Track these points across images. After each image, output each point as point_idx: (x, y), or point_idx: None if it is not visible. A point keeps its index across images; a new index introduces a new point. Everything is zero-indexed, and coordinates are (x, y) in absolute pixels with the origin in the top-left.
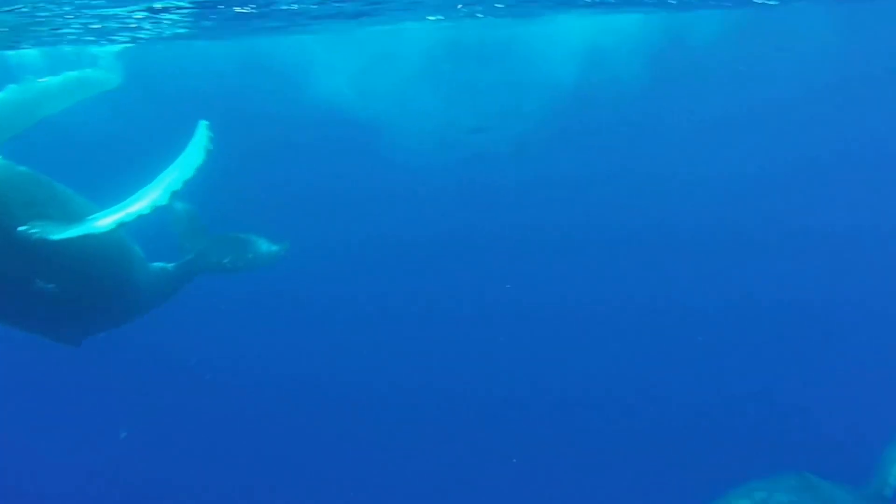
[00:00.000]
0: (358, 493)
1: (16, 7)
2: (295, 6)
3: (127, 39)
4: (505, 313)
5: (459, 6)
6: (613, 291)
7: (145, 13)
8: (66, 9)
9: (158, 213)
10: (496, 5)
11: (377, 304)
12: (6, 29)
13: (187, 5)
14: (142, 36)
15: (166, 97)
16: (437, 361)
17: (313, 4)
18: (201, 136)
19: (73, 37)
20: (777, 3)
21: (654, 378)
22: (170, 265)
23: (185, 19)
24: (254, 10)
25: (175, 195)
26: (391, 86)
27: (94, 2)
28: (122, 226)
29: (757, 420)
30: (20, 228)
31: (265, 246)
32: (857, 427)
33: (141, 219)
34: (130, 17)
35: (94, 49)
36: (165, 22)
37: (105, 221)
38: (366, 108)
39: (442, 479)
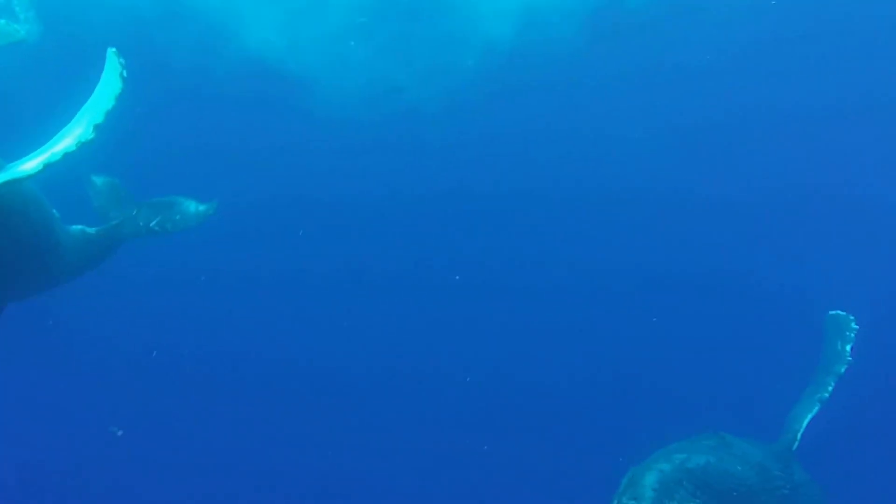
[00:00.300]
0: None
1: None
2: None
3: None
4: (435, 277)
5: None
6: (543, 253)
7: None
8: None
9: (84, 151)
10: None
11: (305, 264)
12: None
13: None
14: None
15: (81, 47)
16: (366, 324)
17: None
18: (113, 64)
19: None
20: None
21: (573, 345)
22: (91, 229)
23: None
24: None
25: (99, 128)
26: (321, 38)
27: None
28: (48, 167)
29: (675, 384)
30: None
31: (193, 206)
32: (768, 388)
33: (68, 157)
34: None
35: None
36: None
37: (31, 164)
38: (295, 61)
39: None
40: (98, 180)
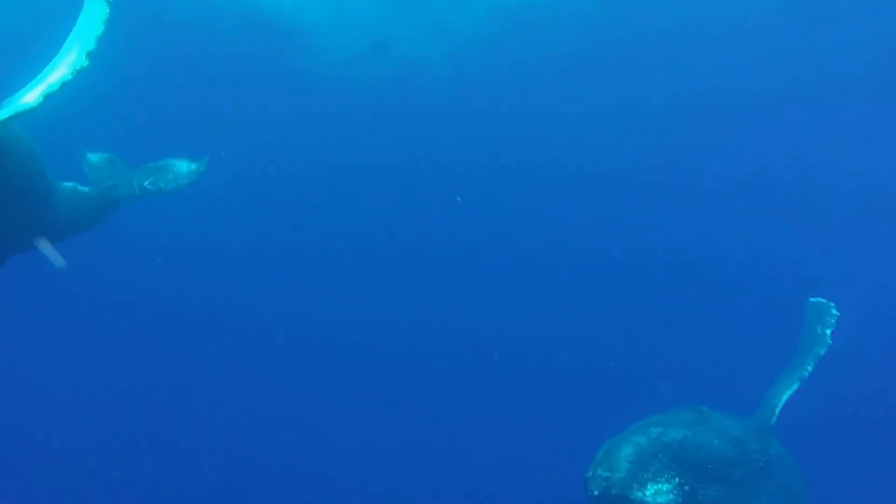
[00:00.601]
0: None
1: None
2: None
3: None
4: (423, 244)
5: None
6: (532, 226)
7: None
8: None
9: (80, 78)
10: None
11: (294, 223)
12: None
13: None
14: None
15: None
16: (355, 287)
17: None
18: None
19: None
20: None
21: (553, 317)
22: (84, 187)
23: None
24: None
25: (91, 55)
26: None
27: None
28: (48, 98)
29: (653, 358)
30: None
31: (185, 165)
32: (748, 362)
33: (65, 87)
34: None
35: None
36: None
37: (30, 97)
38: (297, 17)
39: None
40: (94, 157)
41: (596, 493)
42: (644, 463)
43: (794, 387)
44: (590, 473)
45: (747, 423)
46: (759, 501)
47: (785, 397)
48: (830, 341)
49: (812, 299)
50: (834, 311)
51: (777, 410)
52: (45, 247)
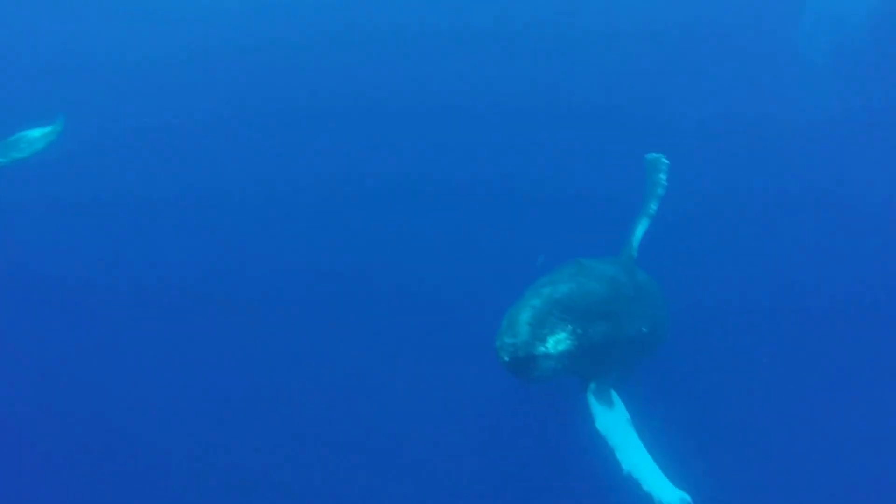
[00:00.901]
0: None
1: None
2: None
3: None
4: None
5: None
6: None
7: None
8: None
9: None
10: None
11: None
12: None
13: None
14: None
15: None
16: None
17: None
18: None
19: None
20: None
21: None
22: None
23: None
24: None
25: None
26: None
27: None
28: None
29: (532, 230)
30: None
31: (37, 132)
32: (612, 208)
33: None
34: None
35: None
36: None
37: None
38: None
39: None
40: None
41: (506, 359)
42: (541, 321)
43: (646, 224)
44: (498, 344)
45: (617, 261)
46: (635, 324)
47: (640, 233)
48: (666, 184)
49: (647, 155)
50: (664, 161)
51: (636, 245)
52: None
